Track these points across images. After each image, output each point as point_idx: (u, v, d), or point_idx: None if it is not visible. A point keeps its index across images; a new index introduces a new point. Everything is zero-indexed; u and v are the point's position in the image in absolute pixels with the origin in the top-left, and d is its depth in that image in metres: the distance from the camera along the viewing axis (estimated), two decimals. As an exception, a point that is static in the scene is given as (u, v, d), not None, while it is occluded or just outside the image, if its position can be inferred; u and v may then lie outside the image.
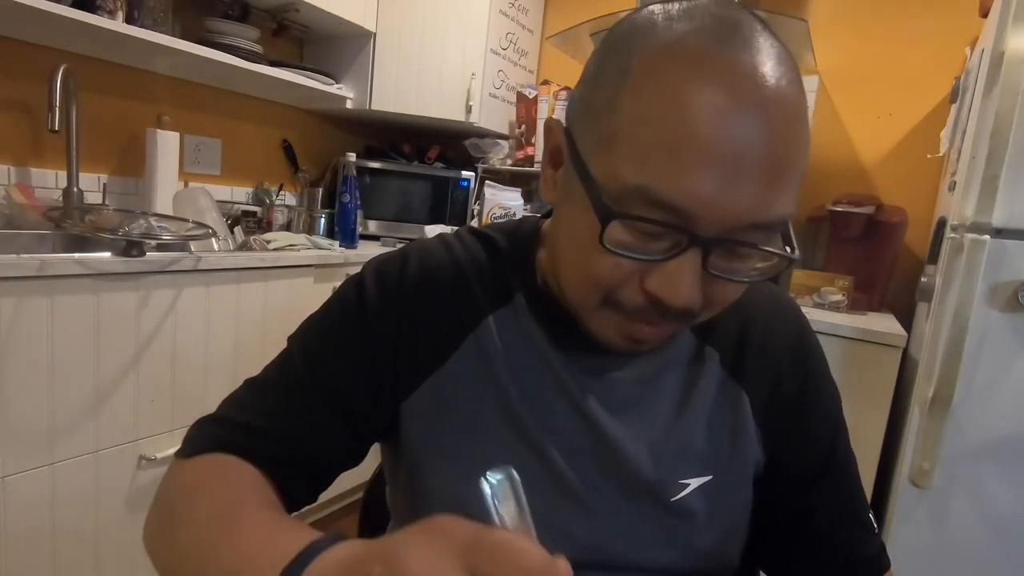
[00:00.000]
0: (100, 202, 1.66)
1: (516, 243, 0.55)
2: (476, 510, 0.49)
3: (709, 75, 0.36)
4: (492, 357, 0.51)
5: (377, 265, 0.54)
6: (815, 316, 1.49)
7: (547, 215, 0.56)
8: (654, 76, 0.38)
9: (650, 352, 0.51)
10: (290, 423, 0.50)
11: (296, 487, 0.51)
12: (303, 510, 0.53)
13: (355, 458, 0.54)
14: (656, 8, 0.41)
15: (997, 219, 1.09)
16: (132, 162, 1.73)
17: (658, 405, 0.52)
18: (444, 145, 2.41)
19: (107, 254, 1.21)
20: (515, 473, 0.28)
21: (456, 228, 0.59)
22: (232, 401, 0.54)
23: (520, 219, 0.58)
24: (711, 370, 0.53)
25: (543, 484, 0.50)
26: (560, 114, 2.13)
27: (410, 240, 2.13)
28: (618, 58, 0.40)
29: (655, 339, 0.45)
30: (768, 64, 0.37)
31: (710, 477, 0.51)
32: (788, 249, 0.42)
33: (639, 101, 0.38)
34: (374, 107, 2.10)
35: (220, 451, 0.49)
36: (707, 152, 0.36)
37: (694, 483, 0.51)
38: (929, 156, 1.65)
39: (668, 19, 0.40)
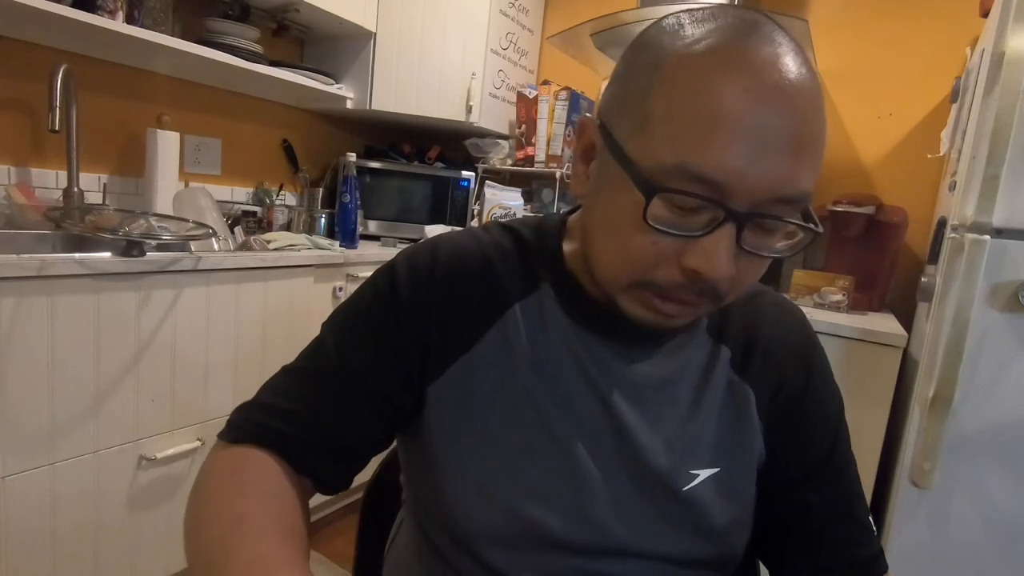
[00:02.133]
0: (100, 202, 1.66)
1: (542, 235, 0.57)
2: (495, 491, 0.51)
3: (736, 64, 0.41)
4: (517, 343, 0.53)
5: (408, 255, 0.56)
6: (815, 316, 1.49)
7: (571, 212, 0.59)
8: (685, 66, 0.42)
9: (669, 345, 0.55)
10: (322, 409, 0.52)
11: (328, 471, 0.53)
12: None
13: (385, 443, 0.56)
14: (682, 14, 0.46)
15: (997, 219, 1.09)
16: (132, 162, 1.73)
17: (675, 397, 0.54)
18: (444, 145, 2.41)
19: (107, 254, 1.21)
20: None
21: (485, 223, 0.62)
22: (270, 387, 0.55)
23: (544, 215, 0.61)
24: (723, 368, 0.55)
25: (561, 468, 0.51)
26: (561, 114, 2.14)
27: (411, 240, 2.14)
28: (649, 55, 0.44)
29: (684, 315, 0.47)
30: (787, 56, 0.42)
31: (718, 469, 0.53)
32: (813, 225, 0.45)
33: (673, 89, 0.42)
34: (374, 107, 2.10)
35: (255, 441, 0.51)
36: (738, 129, 0.39)
37: (703, 474, 0.53)
38: (929, 156, 1.65)
39: (694, 21, 0.44)
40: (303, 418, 0.51)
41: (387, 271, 0.56)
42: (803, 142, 0.41)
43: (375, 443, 0.55)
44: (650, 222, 0.42)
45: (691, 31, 0.43)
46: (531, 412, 0.52)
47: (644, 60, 0.45)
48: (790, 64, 0.41)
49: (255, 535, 0.41)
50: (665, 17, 0.47)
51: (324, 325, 0.57)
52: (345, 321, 0.56)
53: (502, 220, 0.60)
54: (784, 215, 0.43)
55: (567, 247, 0.56)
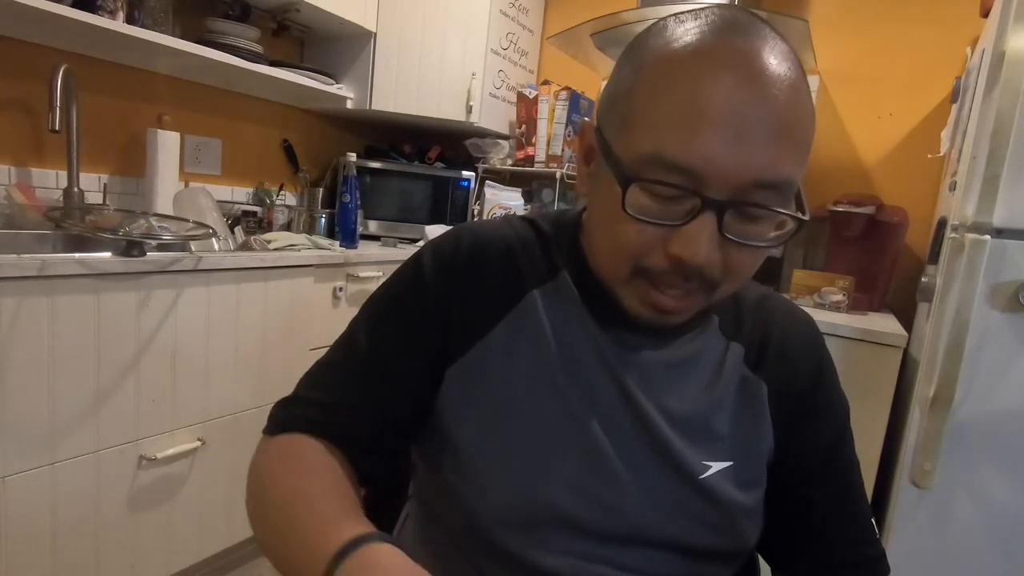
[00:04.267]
0: (100, 202, 1.66)
1: (561, 228, 0.59)
2: (512, 470, 0.52)
3: (711, 56, 0.43)
4: (536, 328, 0.54)
5: (434, 244, 0.59)
6: (816, 316, 1.47)
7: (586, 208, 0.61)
8: (664, 62, 0.44)
9: (683, 338, 0.56)
10: (356, 400, 0.55)
11: (365, 462, 0.55)
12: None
13: (411, 432, 0.58)
14: (670, 17, 0.48)
15: (998, 219, 1.09)
16: (132, 162, 1.73)
17: (688, 387, 0.55)
18: (444, 145, 2.41)
19: (108, 254, 1.21)
20: None
21: (507, 216, 0.65)
22: (306, 381, 0.59)
23: (563, 209, 0.63)
24: (735, 363, 0.56)
25: (577, 451, 0.52)
26: (561, 114, 2.14)
27: (411, 240, 2.14)
28: (636, 57, 0.47)
29: (680, 310, 0.48)
30: (764, 47, 0.43)
31: (731, 463, 0.54)
32: (800, 213, 0.45)
33: (652, 85, 0.44)
34: (374, 107, 2.10)
35: (297, 431, 0.55)
36: (710, 118, 0.41)
37: (715, 467, 0.53)
38: (930, 156, 1.65)
39: (679, 22, 0.46)
40: (338, 410, 0.55)
41: (413, 259, 0.58)
42: (780, 129, 0.42)
43: (408, 430, 0.57)
44: (630, 211, 0.44)
45: (673, 31, 0.45)
46: (549, 393, 0.53)
47: (631, 62, 0.47)
48: (767, 55, 0.42)
49: (314, 501, 0.46)
50: (657, 22, 0.48)
51: (355, 317, 0.60)
52: (375, 310, 0.59)
53: (521, 214, 0.62)
54: (768, 202, 0.43)
55: (583, 240, 0.57)
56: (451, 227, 0.61)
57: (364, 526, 0.42)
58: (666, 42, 0.45)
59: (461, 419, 0.54)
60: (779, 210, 0.44)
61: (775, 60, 0.43)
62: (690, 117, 0.41)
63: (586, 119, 0.54)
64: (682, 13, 0.47)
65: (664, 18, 0.48)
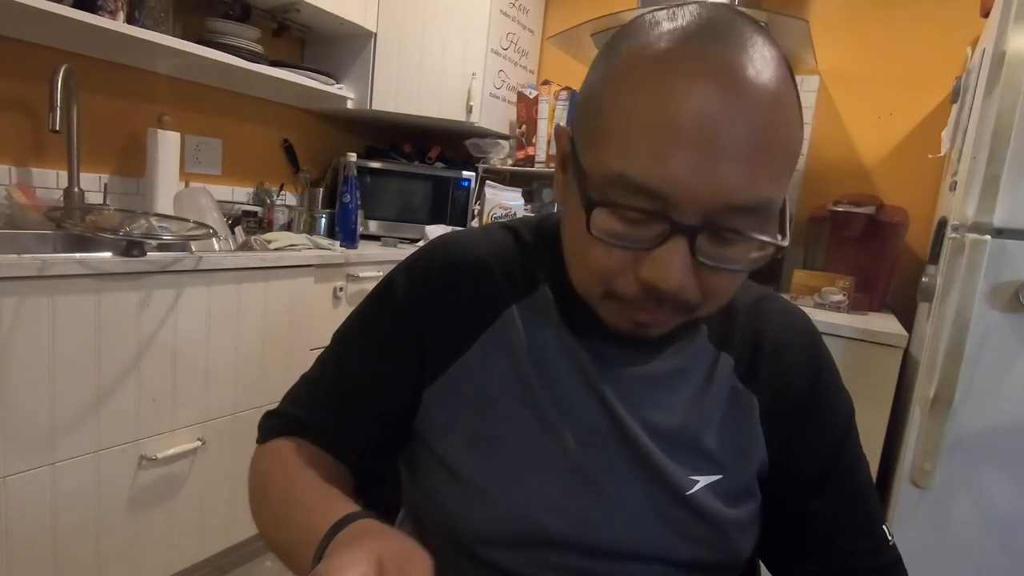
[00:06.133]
0: (101, 202, 1.66)
1: (542, 236, 0.57)
2: (495, 494, 0.51)
3: (680, 69, 0.39)
4: (515, 345, 0.53)
5: (408, 263, 0.58)
6: (816, 316, 1.48)
7: None
8: (633, 72, 0.41)
9: (669, 351, 0.53)
10: (329, 421, 0.56)
11: (350, 473, 0.57)
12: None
13: (394, 449, 0.59)
14: (647, 15, 0.44)
15: (998, 219, 1.09)
16: (133, 162, 1.73)
17: (674, 401, 0.53)
18: (444, 145, 2.41)
19: (108, 254, 1.21)
20: None
21: (486, 224, 0.63)
22: (289, 397, 0.60)
23: (546, 214, 0.60)
24: (725, 375, 0.54)
25: (560, 469, 0.51)
26: (562, 114, 2.14)
27: (411, 240, 2.14)
28: (608, 60, 0.44)
29: (658, 325, 0.46)
30: (742, 54, 0.39)
31: (719, 476, 0.52)
32: (779, 236, 0.42)
33: (620, 95, 0.41)
34: (375, 107, 2.10)
35: (284, 435, 0.57)
36: (680, 136, 0.38)
37: (703, 481, 0.51)
38: (930, 156, 1.65)
39: (653, 23, 0.42)
40: (318, 430, 0.56)
41: (387, 279, 0.58)
42: (757, 148, 0.38)
43: (385, 449, 0.58)
44: (597, 235, 0.41)
45: (644, 34, 0.42)
46: (530, 413, 0.51)
47: (603, 65, 0.44)
48: (745, 64, 0.38)
49: (306, 491, 0.48)
50: (635, 19, 0.45)
51: (334, 334, 0.60)
52: (348, 330, 0.59)
53: (503, 220, 0.60)
54: (744, 225, 0.40)
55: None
56: (437, 236, 0.60)
57: (353, 507, 0.44)
58: (638, 47, 0.41)
59: (441, 440, 0.53)
60: (754, 235, 0.41)
61: (754, 70, 0.38)
62: (657, 135, 0.38)
63: (562, 124, 0.51)
64: (660, 11, 0.43)
65: (642, 14, 0.44)
